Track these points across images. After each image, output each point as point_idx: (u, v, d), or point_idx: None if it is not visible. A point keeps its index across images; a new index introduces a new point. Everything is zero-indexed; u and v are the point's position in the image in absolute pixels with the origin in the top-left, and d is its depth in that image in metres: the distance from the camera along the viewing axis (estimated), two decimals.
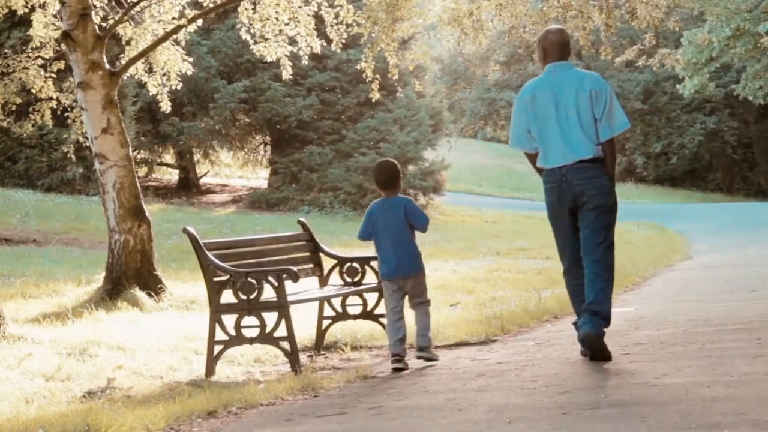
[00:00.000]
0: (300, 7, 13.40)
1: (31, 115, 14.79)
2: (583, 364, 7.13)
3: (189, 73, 14.11)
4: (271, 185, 30.85)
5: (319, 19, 13.79)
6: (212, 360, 7.90)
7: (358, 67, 14.17)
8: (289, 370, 7.86)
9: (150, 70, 14.05)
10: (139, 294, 11.51)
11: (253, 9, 13.46)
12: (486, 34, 14.55)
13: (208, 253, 7.94)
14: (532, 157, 7.48)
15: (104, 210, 12.22)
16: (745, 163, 48.09)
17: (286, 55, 13.59)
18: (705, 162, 47.95)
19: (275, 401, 6.73)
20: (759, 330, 8.22)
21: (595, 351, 7.11)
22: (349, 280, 9.11)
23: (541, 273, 14.65)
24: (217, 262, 7.94)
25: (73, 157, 20.23)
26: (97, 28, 12.31)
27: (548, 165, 7.31)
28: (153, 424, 6.01)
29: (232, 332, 7.89)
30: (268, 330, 7.81)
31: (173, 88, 14.06)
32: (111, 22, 12.83)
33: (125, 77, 14.18)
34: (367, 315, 9.09)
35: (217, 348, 7.92)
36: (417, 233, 7.80)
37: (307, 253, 9.22)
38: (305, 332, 9.14)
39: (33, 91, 14.19)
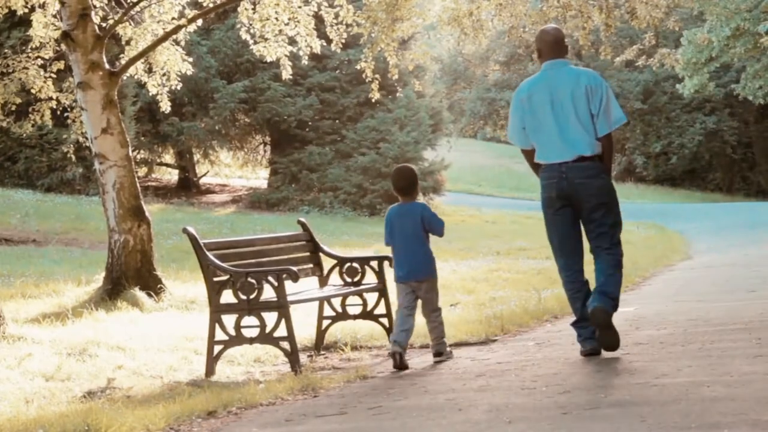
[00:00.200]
0: (300, 7, 13.40)
1: (30, 115, 14.79)
2: (583, 364, 7.13)
3: (189, 73, 14.11)
4: (271, 185, 30.85)
5: (318, 19, 13.79)
6: (212, 360, 7.90)
7: (358, 67, 14.17)
8: (289, 370, 7.86)
9: (150, 70, 14.05)
10: (139, 294, 11.51)
11: (253, 9, 13.46)
12: (486, 34, 14.55)
13: (208, 253, 7.94)
14: (529, 154, 7.56)
15: (104, 210, 12.22)
16: (745, 163, 48.09)
17: (285, 55, 13.59)
18: (705, 162, 47.94)
19: (275, 401, 6.73)
20: (759, 330, 8.22)
21: (602, 327, 7.14)
22: (348, 280, 9.11)
23: (541, 273, 14.65)
24: (217, 262, 7.94)
25: (73, 157, 20.21)
26: (96, 28, 12.31)
27: (547, 161, 7.37)
28: (153, 424, 6.01)
29: (232, 332, 7.89)
30: (268, 330, 7.81)
31: (173, 88, 14.06)
32: (111, 22, 12.83)
33: (125, 77, 14.18)
34: (367, 315, 9.09)
35: (217, 348, 7.92)
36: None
37: (307, 253, 9.22)
38: (305, 332, 9.14)
39: (33, 91, 14.19)
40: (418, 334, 8.35)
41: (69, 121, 14.75)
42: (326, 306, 9.04)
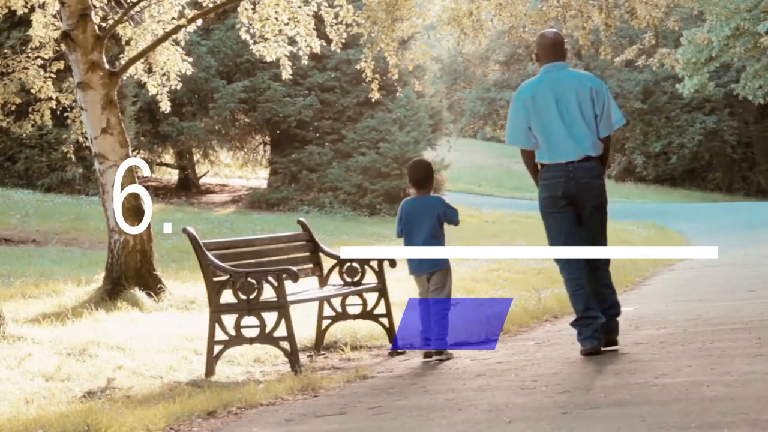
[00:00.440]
0: (300, 7, 13.40)
1: (30, 115, 14.79)
2: (583, 363, 7.13)
3: (188, 73, 14.10)
4: (271, 185, 30.85)
5: (318, 19, 13.79)
6: (212, 360, 7.90)
7: (358, 67, 14.17)
8: (288, 370, 7.86)
9: (149, 70, 14.05)
10: (139, 294, 11.51)
11: (253, 9, 13.46)
12: (486, 33, 14.55)
13: (207, 253, 7.94)
14: (529, 155, 7.58)
15: (104, 210, 12.22)
16: (745, 163, 48.11)
17: (285, 55, 13.59)
18: (705, 161, 47.96)
19: (275, 401, 6.73)
20: (759, 329, 8.22)
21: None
22: (348, 280, 9.11)
23: (541, 273, 14.65)
24: (217, 262, 7.94)
25: (73, 157, 20.20)
26: (96, 28, 12.31)
27: (553, 160, 7.42)
28: (153, 424, 6.01)
29: (232, 332, 7.89)
30: (267, 330, 7.81)
31: (173, 88, 14.06)
32: (111, 22, 12.83)
33: (125, 77, 14.18)
34: (367, 315, 9.09)
35: (217, 348, 7.92)
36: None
37: (307, 253, 9.22)
38: (305, 332, 9.13)
39: (33, 91, 14.19)
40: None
41: (69, 121, 14.75)
42: (326, 306, 9.04)
